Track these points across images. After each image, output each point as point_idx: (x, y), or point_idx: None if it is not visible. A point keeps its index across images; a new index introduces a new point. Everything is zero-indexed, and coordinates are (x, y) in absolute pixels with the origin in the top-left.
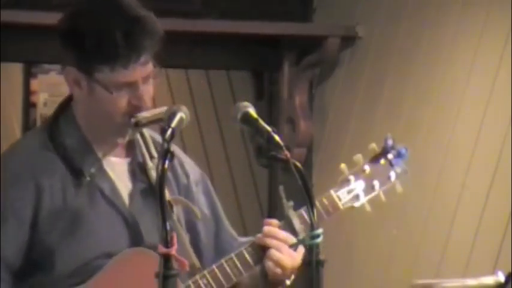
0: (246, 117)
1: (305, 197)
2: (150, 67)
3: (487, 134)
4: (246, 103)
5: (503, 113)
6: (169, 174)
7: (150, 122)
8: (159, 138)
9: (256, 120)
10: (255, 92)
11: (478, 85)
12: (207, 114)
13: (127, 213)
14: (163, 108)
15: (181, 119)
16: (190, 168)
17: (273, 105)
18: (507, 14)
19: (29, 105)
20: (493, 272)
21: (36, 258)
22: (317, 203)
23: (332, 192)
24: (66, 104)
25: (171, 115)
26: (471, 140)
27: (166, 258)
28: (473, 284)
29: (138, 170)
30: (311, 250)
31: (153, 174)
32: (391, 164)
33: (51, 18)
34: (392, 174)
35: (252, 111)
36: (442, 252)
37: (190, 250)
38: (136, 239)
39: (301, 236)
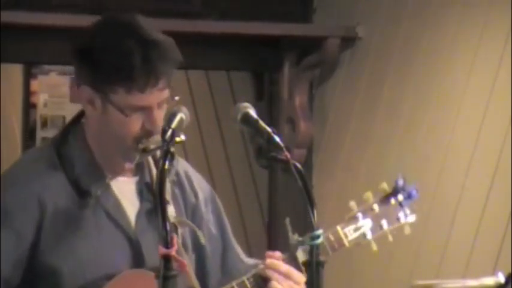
0: (246, 117)
1: (305, 198)
2: (166, 92)
3: (487, 135)
4: (246, 104)
5: (503, 114)
6: (177, 191)
7: (158, 148)
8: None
9: (256, 120)
10: (255, 93)
11: (478, 86)
12: (207, 114)
13: (132, 234)
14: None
15: (181, 120)
16: (199, 186)
17: (273, 106)
18: (507, 15)
19: (29, 106)
20: (493, 273)
21: (39, 277)
22: (323, 238)
23: (339, 228)
24: (76, 121)
25: (171, 116)
26: (471, 141)
27: (166, 259)
28: (473, 284)
29: (145, 190)
30: (311, 251)
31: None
32: (401, 204)
33: (51, 18)
34: (402, 215)
35: (252, 111)
36: (442, 253)
37: (193, 275)
38: (138, 260)
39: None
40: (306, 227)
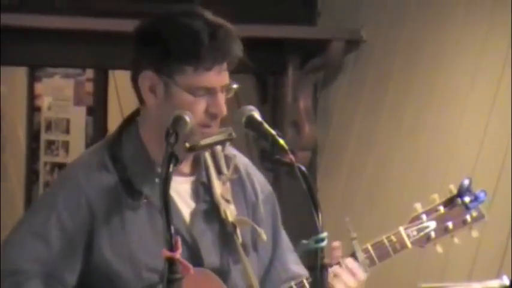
0: (251, 120)
1: (309, 201)
2: (227, 77)
3: (491, 138)
4: (250, 107)
5: (507, 117)
6: (237, 189)
7: (207, 147)
8: (231, 153)
9: (260, 123)
10: (259, 96)
11: (482, 89)
12: None
13: (185, 234)
14: (223, 129)
15: (185, 123)
16: (260, 186)
17: (277, 109)
18: (510, 18)
19: (33, 109)
20: (498, 276)
21: (96, 281)
22: (385, 240)
23: (401, 229)
24: (130, 120)
25: (175, 119)
26: (475, 144)
27: (171, 262)
28: (478, 287)
29: (202, 190)
30: (316, 254)
31: (217, 192)
32: (467, 207)
33: (53, 21)
34: (468, 218)
35: (256, 114)
36: (447, 256)
37: (251, 272)
38: (196, 260)
39: (362, 266)
40: (310, 230)
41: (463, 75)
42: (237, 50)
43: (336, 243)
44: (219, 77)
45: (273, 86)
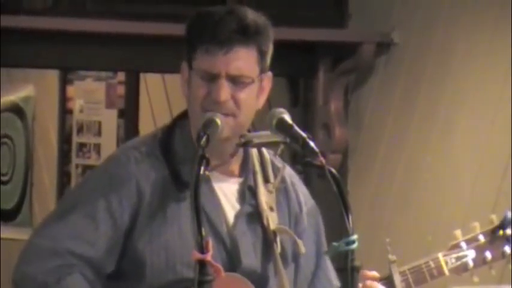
0: (281, 123)
1: (340, 203)
2: (240, 68)
3: None
4: (281, 109)
5: None
6: (282, 199)
7: (260, 145)
8: (279, 163)
9: (291, 126)
10: (290, 98)
11: None
12: None
13: (225, 235)
14: (268, 133)
15: (216, 126)
16: (305, 199)
17: (308, 112)
18: None
19: (65, 112)
20: None
21: (127, 267)
22: (423, 265)
23: (440, 255)
24: (184, 115)
25: (207, 122)
26: (507, 146)
27: (202, 264)
28: None
29: (248, 193)
30: (346, 256)
31: (263, 199)
32: (507, 239)
33: (85, 24)
34: (507, 250)
35: (287, 117)
36: None
37: (286, 283)
38: (233, 260)
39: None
40: (341, 232)
41: (495, 78)
42: (246, 38)
43: (371, 274)
44: (219, 62)
45: (304, 88)
